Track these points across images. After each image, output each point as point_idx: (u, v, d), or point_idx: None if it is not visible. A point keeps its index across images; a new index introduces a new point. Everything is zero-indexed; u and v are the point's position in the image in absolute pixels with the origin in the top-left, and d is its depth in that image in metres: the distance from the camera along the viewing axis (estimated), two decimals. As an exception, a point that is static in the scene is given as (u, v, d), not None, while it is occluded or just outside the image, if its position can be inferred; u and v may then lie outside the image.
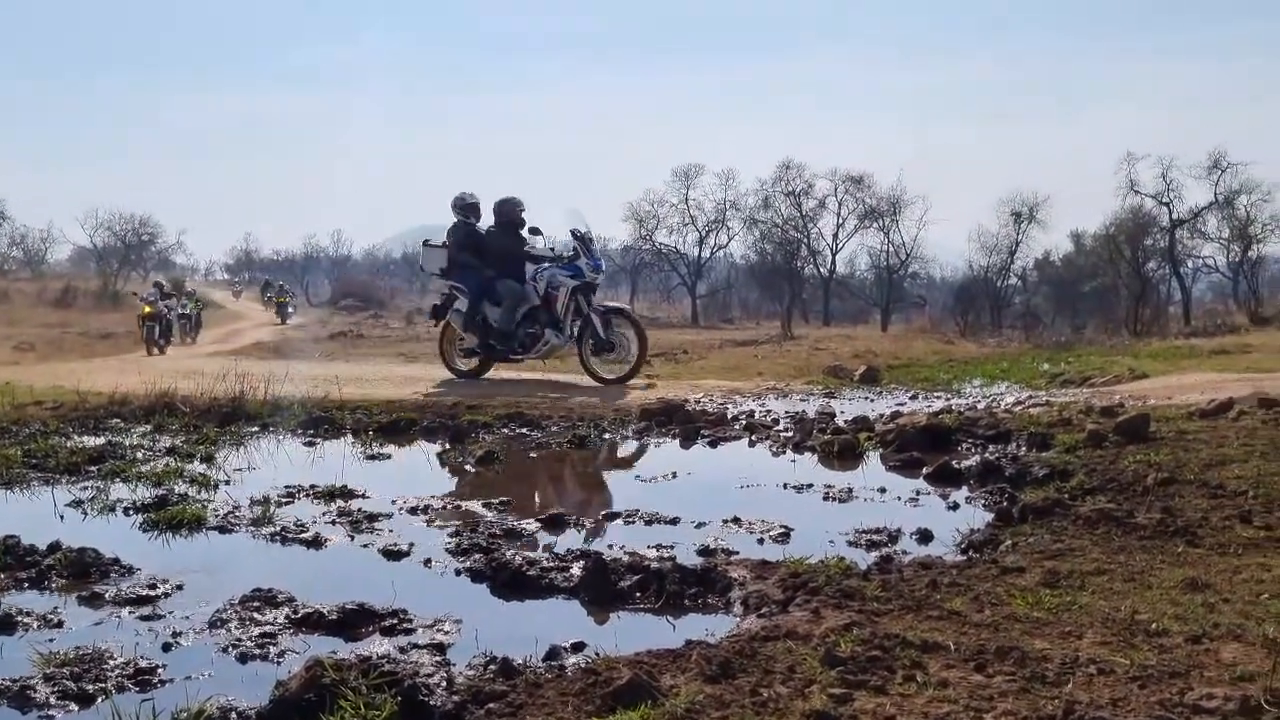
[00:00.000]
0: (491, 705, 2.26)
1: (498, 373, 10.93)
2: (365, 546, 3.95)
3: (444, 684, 2.40)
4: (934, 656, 2.42)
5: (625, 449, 6.64)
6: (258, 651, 2.80)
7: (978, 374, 12.56)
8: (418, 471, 5.80)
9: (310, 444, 6.60)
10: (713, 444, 6.58)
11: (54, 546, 3.67)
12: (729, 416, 7.58)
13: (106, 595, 3.29)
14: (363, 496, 4.79)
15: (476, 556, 3.71)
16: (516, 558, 3.61)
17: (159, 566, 3.60)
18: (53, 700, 2.45)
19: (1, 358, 18.17)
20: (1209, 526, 3.65)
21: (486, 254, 10.62)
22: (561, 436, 6.81)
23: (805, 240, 43.00)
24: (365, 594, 3.14)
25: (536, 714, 2.21)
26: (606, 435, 6.96)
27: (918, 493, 4.90)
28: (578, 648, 2.73)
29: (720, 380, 10.88)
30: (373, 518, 4.37)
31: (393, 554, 3.84)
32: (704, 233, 45.14)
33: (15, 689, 2.48)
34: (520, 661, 2.56)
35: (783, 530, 4.12)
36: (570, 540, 4.03)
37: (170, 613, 3.12)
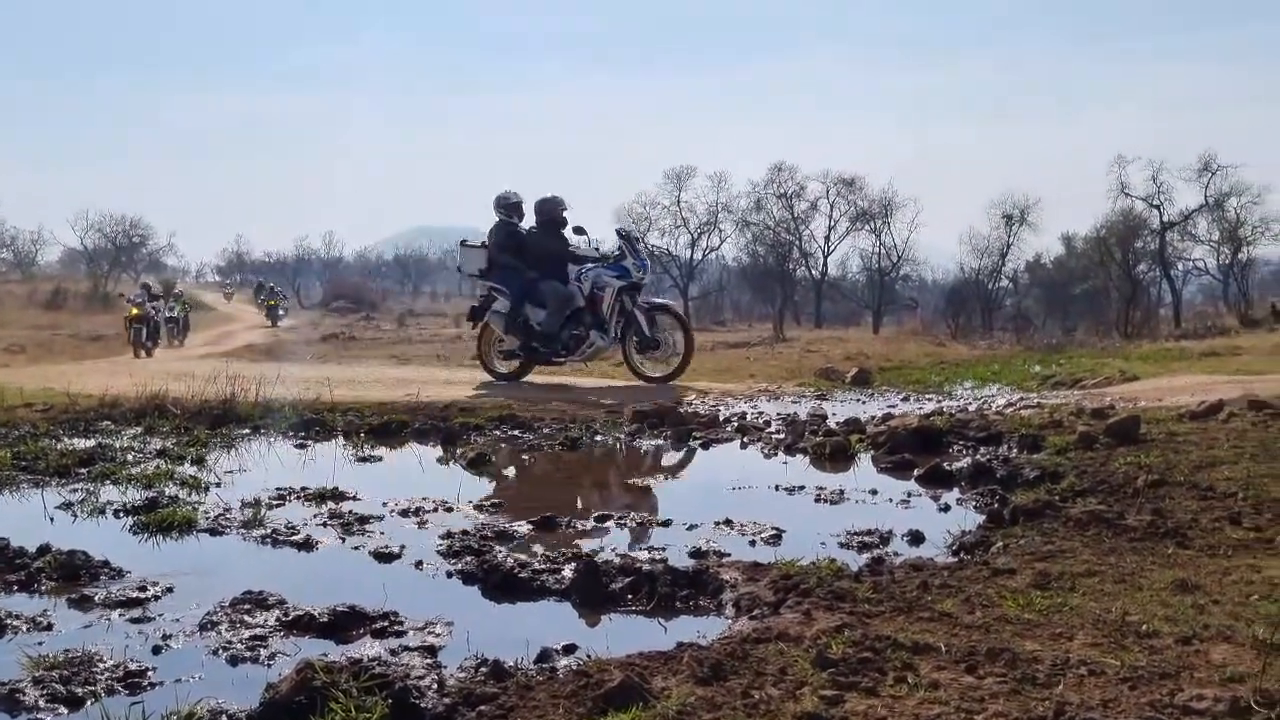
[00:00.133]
0: (483, 708, 2.26)
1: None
2: (356, 549, 3.94)
3: (435, 686, 2.40)
4: (925, 658, 2.42)
5: (617, 451, 6.63)
6: (248, 654, 2.79)
7: (969, 376, 12.59)
8: (409, 473, 5.79)
9: (301, 446, 6.59)
10: (705, 446, 6.59)
11: (44, 549, 3.65)
12: (721, 418, 7.59)
13: (96, 598, 3.28)
14: (354, 499, 4.78)
15: (468, 558, 3.70)
16: (508, 560, 3.61)
17: (149, 569, 3.59)
18: (42, 703, 2.44)
19: (-9, 360, 18.09)
20: (1199, 528, 3.66)
21: (528, 254, 10.36)
22: (553, 439, 6.81)
23: (797, 242, 43.11)
24: (356, 596, 3.14)
25: (528, 716, 2.20)
26: (599, 437, 6.96)
27: (909, 494, 4.91)
28: (569, 650, 2.73)
29: (712, 382, 10.88)
30: (364, 520, 4.36)
31: (384, 556, 3.83)
32: (696, 235, 45.21)
33: (4, 692, 2.46)
34: (511, 664, 2.56)
35: (774, 532, 4.12)
36: (562, 542, 4.03)
37: (160, 615, 3.11)
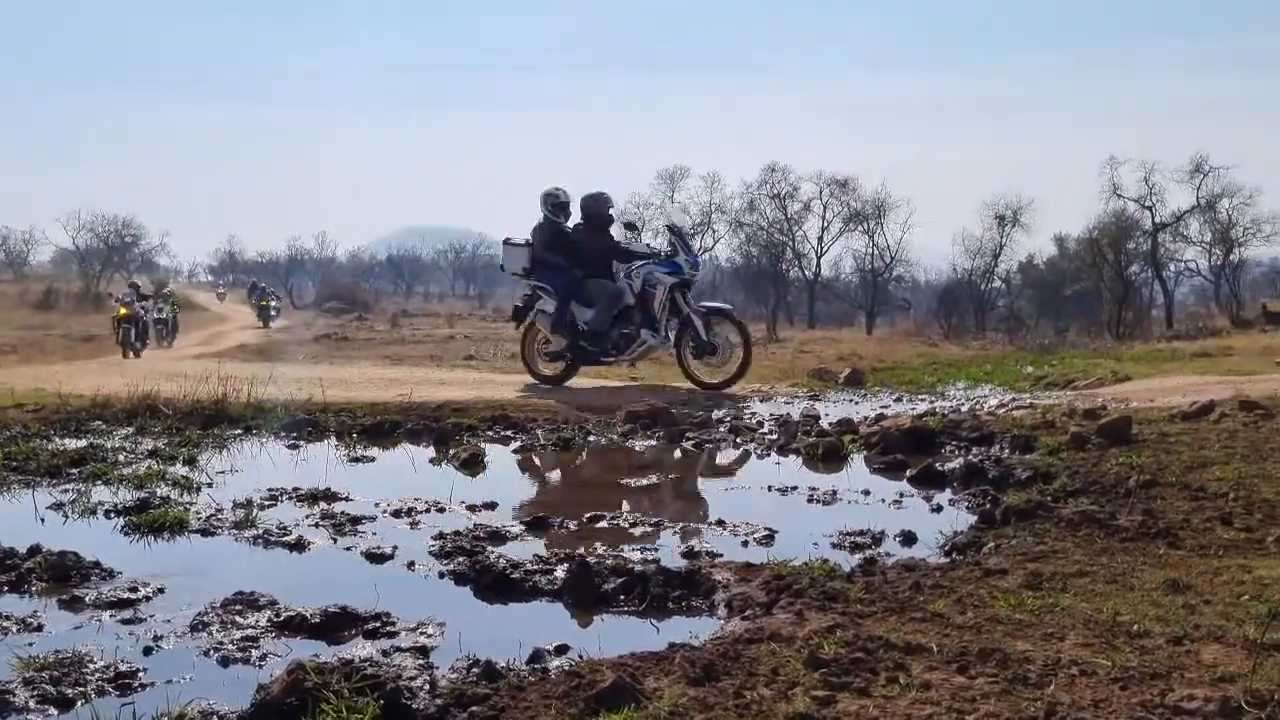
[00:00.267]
0: (474, 708, 2.26)
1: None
2: (348, 549, 3.94)
3: (427, 687, 2.39)
4: (917, 658, 2.42)
5: (610, 452, 6.63)
6: (239, 655, 2.79)
7: (962, 377, 12.61)
8: (402, 474, 5.78)
9: (294, 447, 6.58)
10: (698, 446, 6.58)
11: (34, 549, 3.64)
12: (714, 419, 7.59)
13: (87, 599, 3.27)
14: (346, 499, 4.78)
15: (460, 559, 3.70)
16: (500, 560, 3.61)
17: (140, 570, 3.58)
18: (32, 704, 2.43)
19: (-18, 360, 18.03)
20: (1190, 528, 3.67)
21: (575, 252, 10.10)
22: (546, 439, 6.80)
23: (790, 243, 43.11)
24: (348, 597, 3.13)
25: (519, 717, 2.20)
26: (591, 438, 6.96)
27: (901, 495, 4.92)
28: (561, 650, 2.73)
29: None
30: (356, 520, 4.35)
31: (376, 557, 3.83)
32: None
33: (-6, 693, 2.46)
34: (503, 664, 2.55)
35: (767, 532, 4.13)
36: (554, 542, 4.03)
37: (151, 616, 3.11)
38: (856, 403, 9.03)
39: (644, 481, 5.38)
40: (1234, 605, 2.80)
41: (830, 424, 6.97)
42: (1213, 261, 37.56)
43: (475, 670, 2.50)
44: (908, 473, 5.40)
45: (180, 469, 5.57)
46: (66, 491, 4.96)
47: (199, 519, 4.34)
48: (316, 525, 4.29)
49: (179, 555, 3.90)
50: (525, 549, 3.89)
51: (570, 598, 3.30)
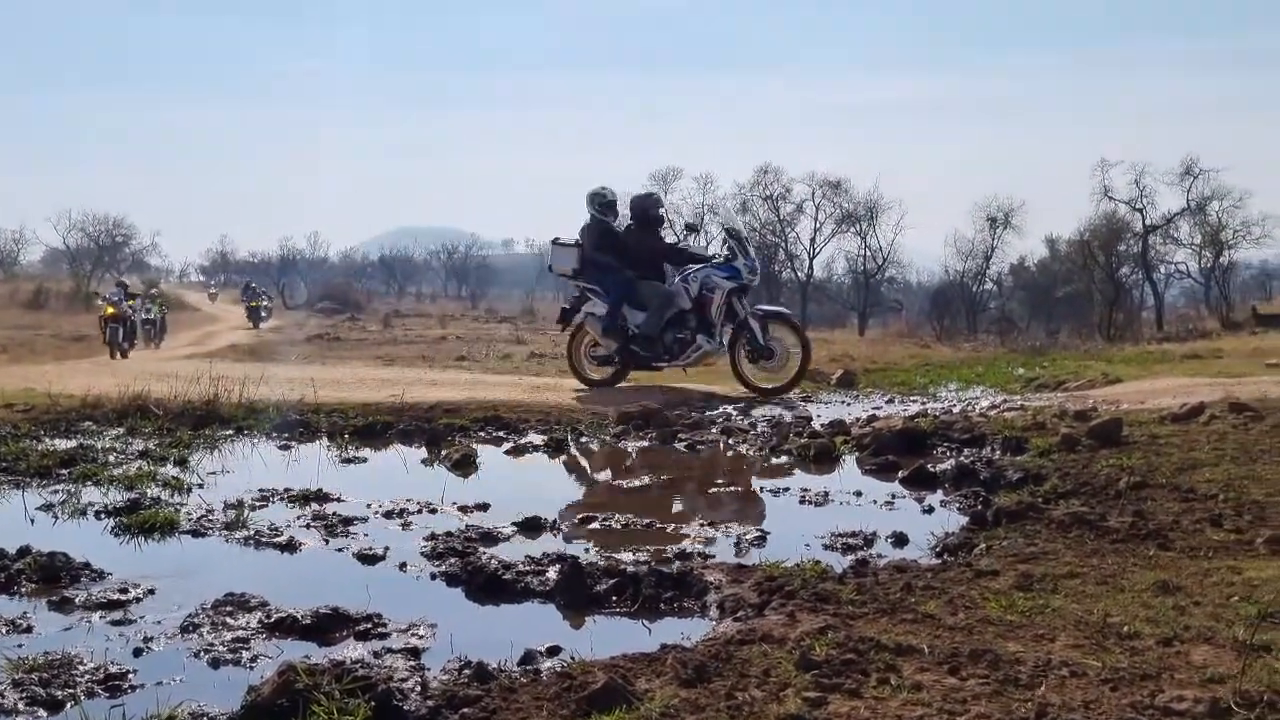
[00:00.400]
0: (466, 710, 2.26)
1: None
2: (340, 550, 3.93)
3: (418, 689, 2.39)
4: (908, 659, 2.43)
5: (603, 452, 6.63)
6: (230, 656, 2.78)
7: (953, 378, 12.63)
8: (394, 475, 5.77)
9: (285, 447, 6.56)
10: (690, 447, 6.58)
11: (24, 551, 3.62)
12: (706, 420, 7.59)
13: (77, 600, 3.26)
14: (338, 500, 4.77)
15: (452, 560, 3.69)
16: (492, 561, 3.61)
17: (130, 571, 3.57)
18: (21, 706, 2.42)
19: (-28, 360, 17.95)
20: (1180, 530, 3.69)
21: (626, 254, 9.86)
22: (539, 440, 6.80)
23: (783, 244, 43.14)
24: (339, 598, 3.13)
25: (511, 718, 2.20)
26: (584, 439, 6.96)
27: (893, 496, 4.93)
28: (553, 652, 2.72)
29: (697, 383, 10.88)
30: (347, 521, 4.34)
31: (367, 558, 3.82)
32: (682, 236, 45.18)
33: (-17, 695, 2.45)
34: (495, 666, 2.55)
35: (759, 533, 4.13)
36: (546, 544, 4.02)
37: (141, 617, 3.10)
38: (848, 404, 9.04)
39: (636, 482, 5.38)
40: (1223, 606, 2.81)
41: (822, 425, 6.98)
42: (1203, 264, 37.68)
43: (467, 671, 2.50)
44: (899, 474, 5.41)
45: (171, 470, 5.55)
46: (56, 492, 4.94)
47: (190, 520, 4.32)
48: (308, 526, 4.28)
49: (169, 556, 3.89)
50: (517, 550, 3.89)
51: (562, 599, 3.30)
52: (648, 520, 4.39)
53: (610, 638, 2.90)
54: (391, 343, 22.00)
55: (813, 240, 43.35)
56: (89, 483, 5.13)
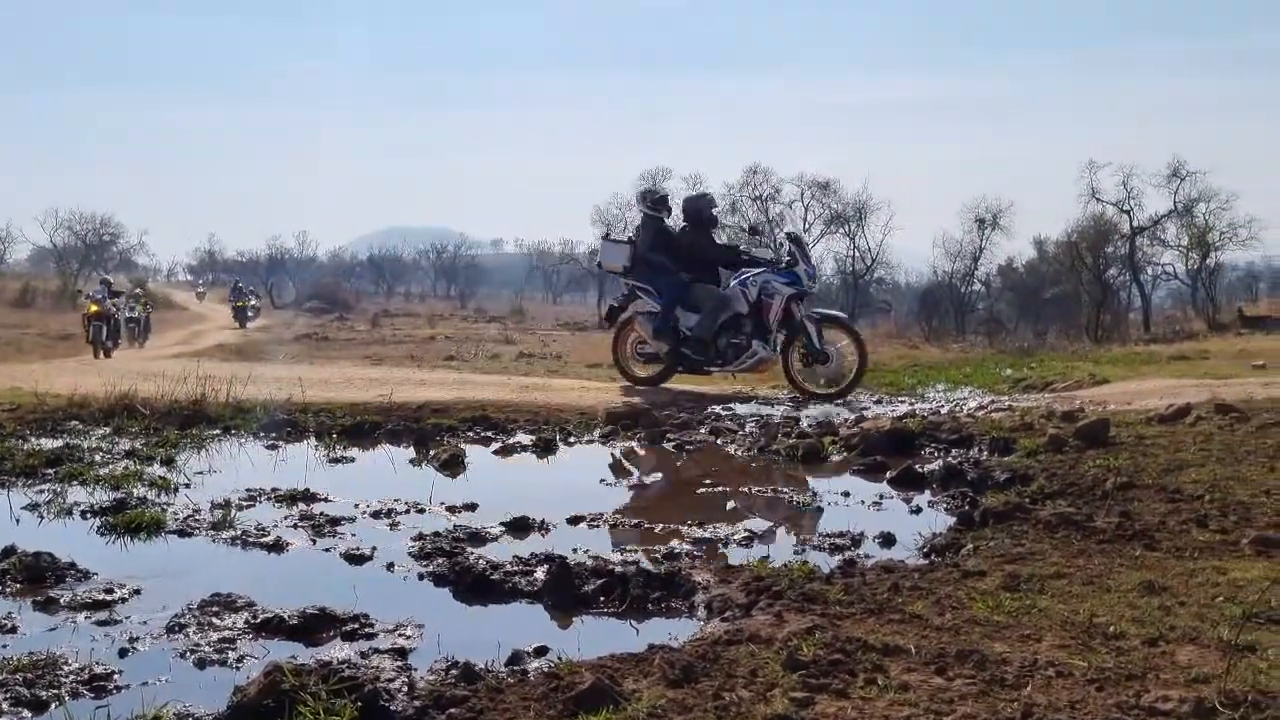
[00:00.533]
0: (453, 710, 2.25)
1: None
2: (327, 551, 3.92)
3: (405, 689, 2.38)
4: (895, 660, 2.43)
5: (591, 452, 6.63)
6: (216, 657, 2.77)
7: (941, 379, 12.65)
8: (381, 475, 5.76)
9: (273, 447, 6.54)
10: (678, 447, 6.59)
11: (8, 550, 3.60)
12: (695, 420, 7.59)
13: (62, 600, 3.25)
14: (325, 500, 4.75)
15: (439, 560, 3.69)
16: (480, 561, 3.60)
17: (116, 571, 3.55)
18: (5, 707, 2.41)
19: (-43, 359, 17.83)
20: (1166, 530, 3.70)
21: (680, 254, 9.66)
22: (527, 440, 6.79)
23: (771, 245, 43.22)
24: (326, 598, 3.12)
25: (498, 719, 2.20)
26: (572, 439, 6.95)
27: (881, 496, 4.94)
28: (540, 652, 2.72)
29: (686, 384, 10.87)
30: (335, 521, 4.33)
31: (355, 558, 3.82)
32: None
33: (-34, 696, 2.44)
34: (482, 666, 2.55)
35: (746, 534, 4.13)
36: (534, 544, 4.02)
37: (127, 618, 3.08)
38: (837, 404, 9.05)
39: (624, 482, 5.39)
40: (1209, 607, 2.83)
41: (811, 425, 6.99)
42: (1190, 265, 37.83)
43: (454, 672, 2.50)
44: (887, 474, 5.43)
45: (158, 469, 5.53)
46: (42, 492, 4.91)
47: (176, 520, 4.30)
48: (295, 526, 4.27)
49: (155, 556, 3.87)
50: (505, 550, 3.88)
51: (550, 599, 3.30)
52: (636, 520, 4.39)
53: (598, 638, 2.90)
54: (380, 342, 21.97)
55: (802, 241, 43.44)
56: (75, 482, 5.10)
